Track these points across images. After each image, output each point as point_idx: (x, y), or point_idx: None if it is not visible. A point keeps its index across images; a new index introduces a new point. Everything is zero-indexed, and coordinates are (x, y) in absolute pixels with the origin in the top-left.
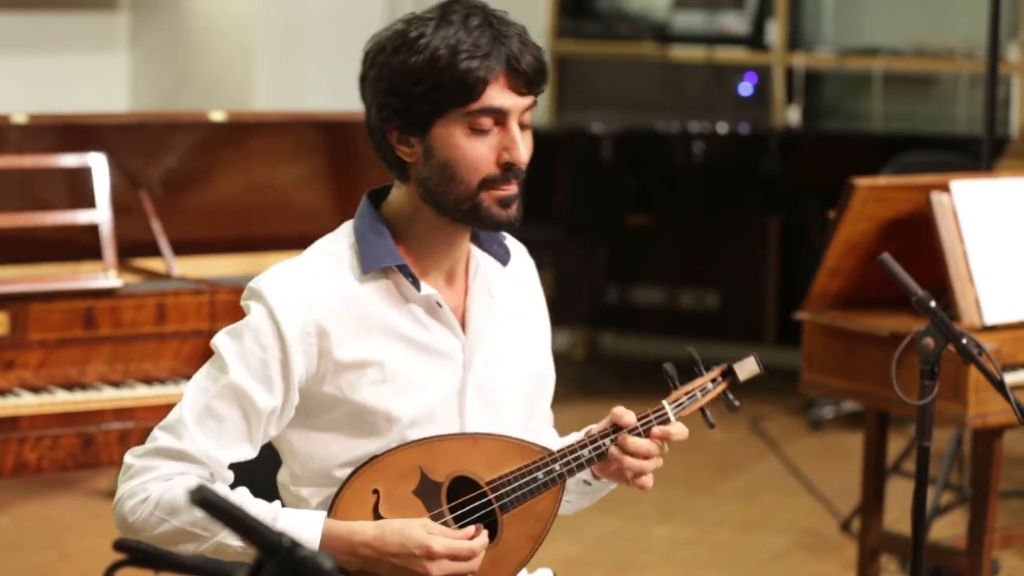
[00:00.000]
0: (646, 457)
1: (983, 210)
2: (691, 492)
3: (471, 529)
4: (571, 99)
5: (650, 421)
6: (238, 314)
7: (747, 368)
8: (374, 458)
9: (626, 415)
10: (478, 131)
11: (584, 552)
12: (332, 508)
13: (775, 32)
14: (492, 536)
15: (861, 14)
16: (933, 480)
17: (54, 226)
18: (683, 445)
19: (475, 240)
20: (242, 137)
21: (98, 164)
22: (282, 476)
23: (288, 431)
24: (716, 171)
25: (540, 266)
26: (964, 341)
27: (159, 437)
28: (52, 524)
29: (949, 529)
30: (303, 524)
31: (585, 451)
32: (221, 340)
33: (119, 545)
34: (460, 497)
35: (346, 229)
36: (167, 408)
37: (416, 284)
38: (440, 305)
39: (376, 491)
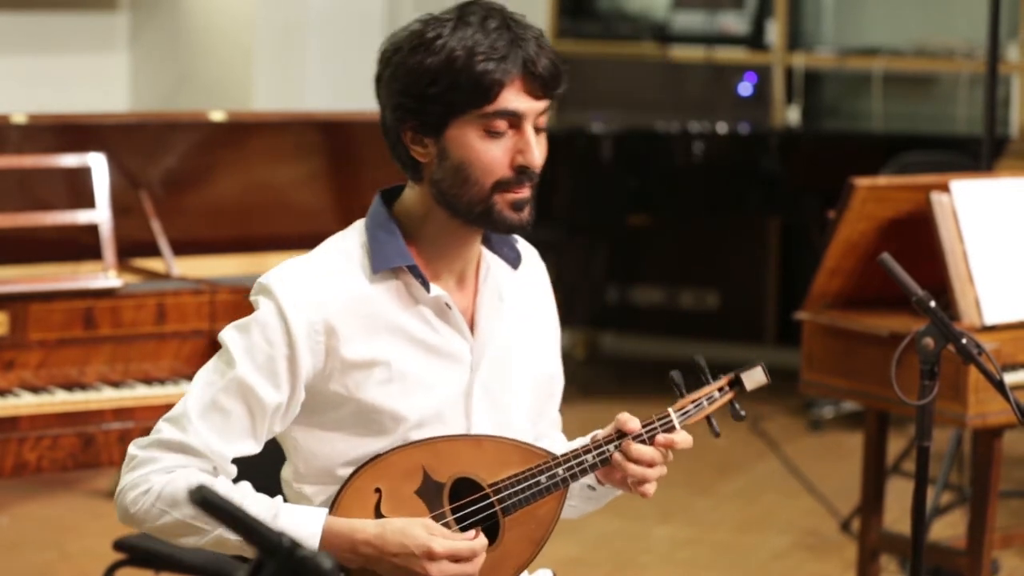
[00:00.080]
0: (649, 465)
1: (983, 210)
2: (691, 492)
3: (472, 533)
4: (571, 99)
5: (655, 428)
6: (238, 314)
7: (754, 378)
8: (377, 457)
9: (630, 421)
10: (493, 133)
11: (584, 552)
12: (334, 506)
13: (775, 32)
14: (493, 539)
15: (861, 14)
16: (933, 480)
17: (54, 226)
18: None
19: (486, 242)
20: (242, 137)
21: (98, 164)
22: (285, 473)
23: (293, 428)
24: (716, 171)
25: None
26: (964, 341)
27: (163, 429)
28: (52, 524)
29: (949, 529)
30: (304, 521)
31: (589, 456)
32: (229, 334)
33: (119, 545)
34: (462, 498)
35: (358, 227)
36: (167, 408)
37: (426, 285)
38: (449, 307)
39: (378, 490)
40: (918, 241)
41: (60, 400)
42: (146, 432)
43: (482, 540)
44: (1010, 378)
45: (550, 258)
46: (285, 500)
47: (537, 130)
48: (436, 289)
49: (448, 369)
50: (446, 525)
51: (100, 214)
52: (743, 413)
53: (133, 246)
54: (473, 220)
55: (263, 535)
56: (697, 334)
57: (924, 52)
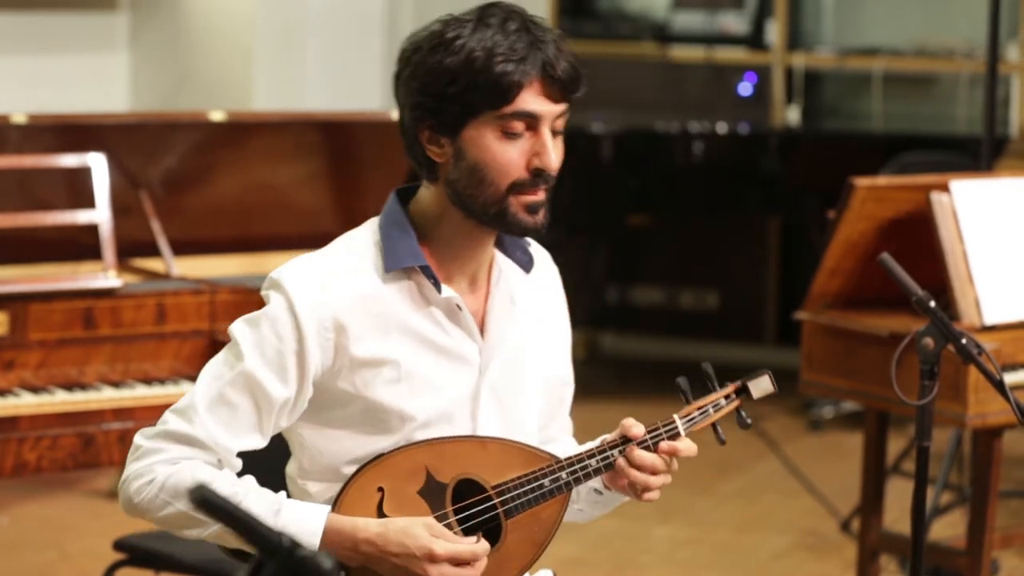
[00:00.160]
0: (652, 472)
1: (983, 210)
2: (691, 492)
3: (474, 537)
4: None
5: (659, 435)
6: (238, 314)
7: (761, 386)
8: (381, 455)
9: (635, 427)
10: (510, 135)
11: (584, 552)
12: (337, 503)
13: (775, 32)
14: (495, 541)
15: (861, 14)
16: (933, 480)
17: (54, 226)
18: None
19: (499, 245)
20: (242, 137)
21: (98, 164)
22: (290, 469)
23: (299, 424)
24: (716, 171)
25: None
26: (964, 341)
27: (169, 420)
28: (52, 524)
29: (949, 529)
30: (307, 517)
31: (593, 461)
32: (238, 328)
33: (119, 545)
34: (465, 500)
35: (372, 225)
36: (167, 408)
37: (437, 286)
38: (460, 308)
39: (381, 489)
40: (918, 241)
41: (60, 400)
42: None
43: (484, 544)
44: (1010, 378)
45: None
46: (289, 496)
47: (554, 133)
48: (447, 290)
49: (457, 370)
50: (448, 526)
51: (100, 214)
52: (749, 421)
53: (133, 246)
54: (487, 221)
55: (263, 535)
56: (697, 334)
57: (924, 52)
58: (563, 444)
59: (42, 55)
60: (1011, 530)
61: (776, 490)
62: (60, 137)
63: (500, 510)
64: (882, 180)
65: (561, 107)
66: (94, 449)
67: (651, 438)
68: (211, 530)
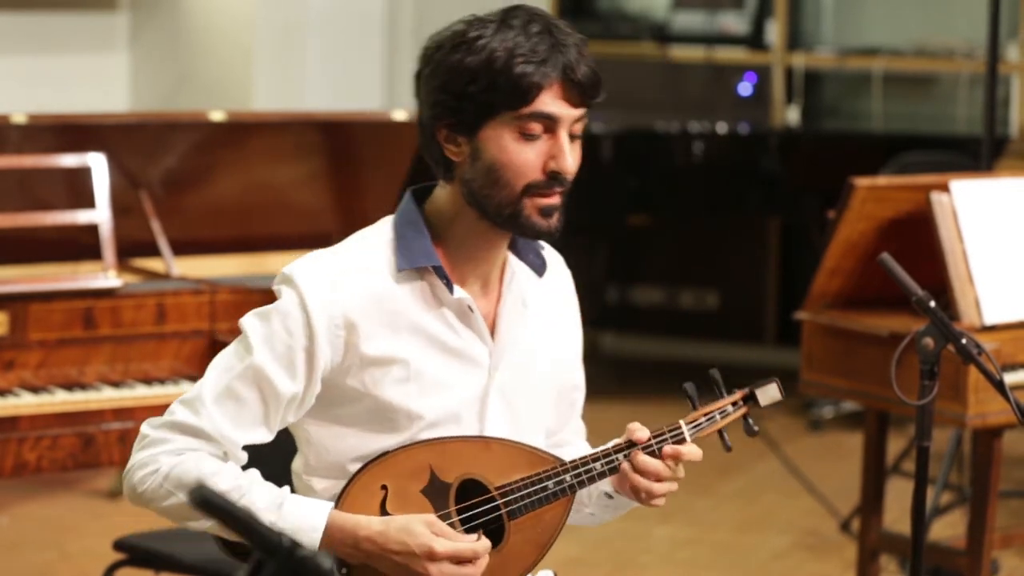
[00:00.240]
0: (656, 478)
1: (983, 210)
2: (691, 492)
3: (475, 536)
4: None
5: (664, 439)
6: (238, 314)
7: (769, 394)
8: (385, 453)
9: (640, 431)
10: (527, 136)
11: (584, 552)
12: (340, 500)
13: (775, 32)
14: (498, 542)
15: (861, 14)
16: (933, 480)
17: (54, 226)
18: None
19: (512, 248)
20: (242, 137)
21: (98, 164)
22: (296, 464)
23: (307, 420)
24: (716, 171)
25: None
26: (964, 341)
27: (177, 411)
28: (52, 524)
29: (949, 529)
30: (309, 513)
31: (597, 464)
32: (249, 321)
33: (119, 545)
34: (468, 500)
35: (386, 224)
36: (167, 408)
37: (450, 287)
38: (471, 310)
39: (385, 487)
40: (918, 241)
41: (60, 400)
42: None
43: (485, 542)
44: (1010, 378)
45: None
46: (294, 492)
47: (572, 138)
48: (459, 291)
49: (466, 372)
50: (451, 526)
51: (100, 214)
52: (756, 429)
53: (133, 246)
54: (501, 223)
55: (263, 535)
56: (697, 334)
57: (924, 52)
58: (576, 448)
59: (42, 55)
60: (1011, 530)
61: (776, 490)
62: (60, 137)
63: (503, 511)
64: (882, 180)
65: (580, 111)
66: (94, 449)
67: (656, 443)
68: (213, 522)
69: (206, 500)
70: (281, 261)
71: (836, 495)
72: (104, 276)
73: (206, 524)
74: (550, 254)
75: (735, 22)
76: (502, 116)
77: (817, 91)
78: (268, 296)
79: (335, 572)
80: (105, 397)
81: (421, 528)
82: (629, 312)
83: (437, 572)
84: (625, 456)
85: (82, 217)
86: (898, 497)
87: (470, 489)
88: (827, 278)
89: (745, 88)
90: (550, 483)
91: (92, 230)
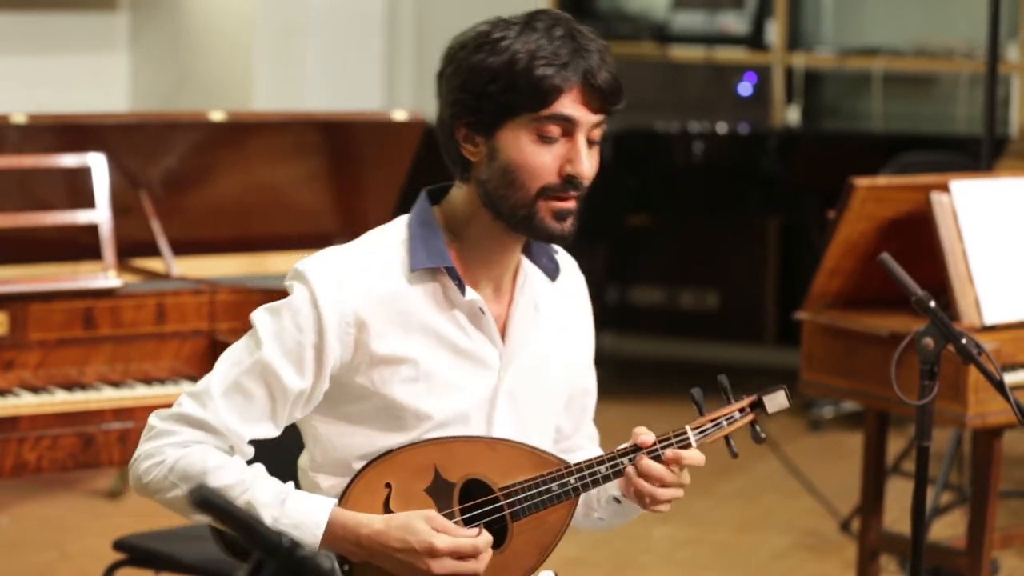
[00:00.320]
0: (660, 483)
1: (983, 210)
2: (691, 492)
3: (476, 529)
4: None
5: (670, 444)
6: (238, 314)
7: (777, 401)
8: (390, 451)
9: (645, 435)
10: (545, 139)
11: (584, 552)
12: (343, 497)
13: (775, 32)
14: (501, 542)
15: (861, 14)
16: (933, 480)
17: (54, 226)
18: None
19: (527, 252)
20: (242, 137)
21: (98, 164)
22: (303, 461)
23: (314, 417)
24: (716, 171)
25: None
26: (964, 341)
27: (184, 403)
28: (52, 524)
29: (949, 529)
30: (311, 509)
31: (602, 467)
32: (259, 316)
33: (119, 545)
34: (472, 500)
35: (401, 223)
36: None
37: (462, 288)
38: (483, 312)
39: (389, 485)
40: (918, 241)
41: (60, 400)
42: None
43: (486, 536)
44: (1010, 378)
45: None
46: (299, 488)
47: (590, 144)
48: (471, 293)
49: (475, 373)
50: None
51: (100, 214)
52: (763, 436)
53: (133, 246)
54: (515, 225)
55: (262, 535)
56: (697, 334)
57: (924, 52)
58: (588, 453)
59: (42, 55)
60: (1011, 530)
61: (776, 490)
62: (60, 137)
63: (507, 512)
64: (882, 180)
65: (598, 117)
66: (94, 449)
67: (661, 447)
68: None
69: (206, 500)
70: (281, 261)
71: (836, 495)
72: (104, 276)
73: (208, 517)
74: (564, 259)
75: (735, 22)
76: (521, 117)
77: (817, 91)
78: (268, 296)
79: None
80: (105, 397)
81: (421, 525)
82: (629, 312)
83: (439, 568)
84: (630, 460)
85: (82, 217)
86: (898, 497)
87: (474, 489)
88: (827, 278)
89: (745, 88)
90: (554, 485)
91: (92, 230)
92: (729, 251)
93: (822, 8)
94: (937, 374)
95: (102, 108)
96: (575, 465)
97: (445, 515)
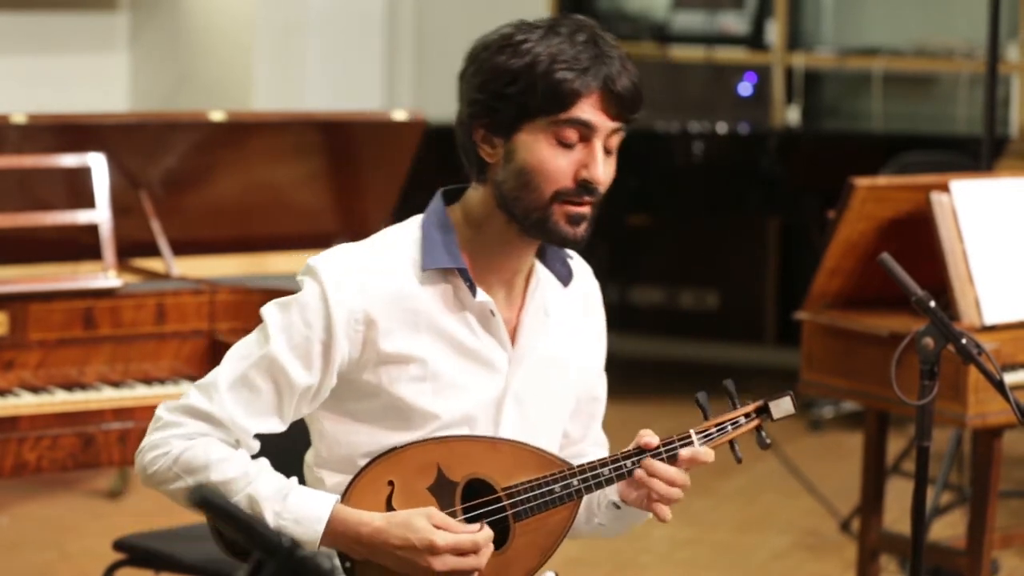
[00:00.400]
0: (671, 483)
1: (983, 210)
2: (691, 492)
3: (476, 525)
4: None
5: (674, 447)
6: (238, 314)
7: (783, 407)
8: (393, 449)
9: (648, 437)
10: (562, 143)
11: (584, 552)
12: (346, 494)
13: (775, 32)
14: (502, 543)
15: (861, 14)
16: (933, 480)
17: (54, 226)
18: None
19: (540, 256)
20: (242, 137)
21: (98, 164)
22: (309, 457)
23: (321, 413)
24: (716, 171)
25: None
26: (964, 341)
27: (191, 395)
28: (52, 524)
29: (949, 529)
30: (313, 505)
31: (605, 470)
32: (269, 310)
33: (119, 545)
34: (475, 499)
35: (414, 223)
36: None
37: (473, 290)
38: (493, 314)
39: (391, 482)
40: (918, 241)
41: (60, 400)
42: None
43: (487, 532)
44: (1010, 378)
45: None
46: (304, 484)
47: (608, 151)
48: (482, 295)
49: (483, 375)
50: None
51: (100, 214)
52: (769, 441)
53: (133, 246)
54: (528, 228)
55: (262, 535)
56: (697, 334)
57: (924, 52)
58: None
59: (42, 55)
60: (1011, 530)
61: (776, 490)
62: (60, 137)
63: (509, 512)
64: (882, 180)
65: (616, 124)
66: (94, 449)
67: (665, 450)
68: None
69: (206, 500)
70: (281, 261)
71: (836, 495)
72: (104, 276)
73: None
74: (577, 264)
75: (735, 22)
76: (539, 120)
77: (817, 91)
78: (268, 296)
79: (335, 572)
80: (105, 397)
81: (422, 522)
82: (629, 312)
83: (440, 565)
84: (634, 463)
85: (82, 217)
86: (898, 497)
87: (477, 489)
88: (827, 278)
89: (745, 88)
90: (557, 486)
91: (92, 230)
92: (729, 251)
93: (822, 8)
94: (937, 374)
95: (102, 108)
96: (578, 467)
97: (447, 514)
